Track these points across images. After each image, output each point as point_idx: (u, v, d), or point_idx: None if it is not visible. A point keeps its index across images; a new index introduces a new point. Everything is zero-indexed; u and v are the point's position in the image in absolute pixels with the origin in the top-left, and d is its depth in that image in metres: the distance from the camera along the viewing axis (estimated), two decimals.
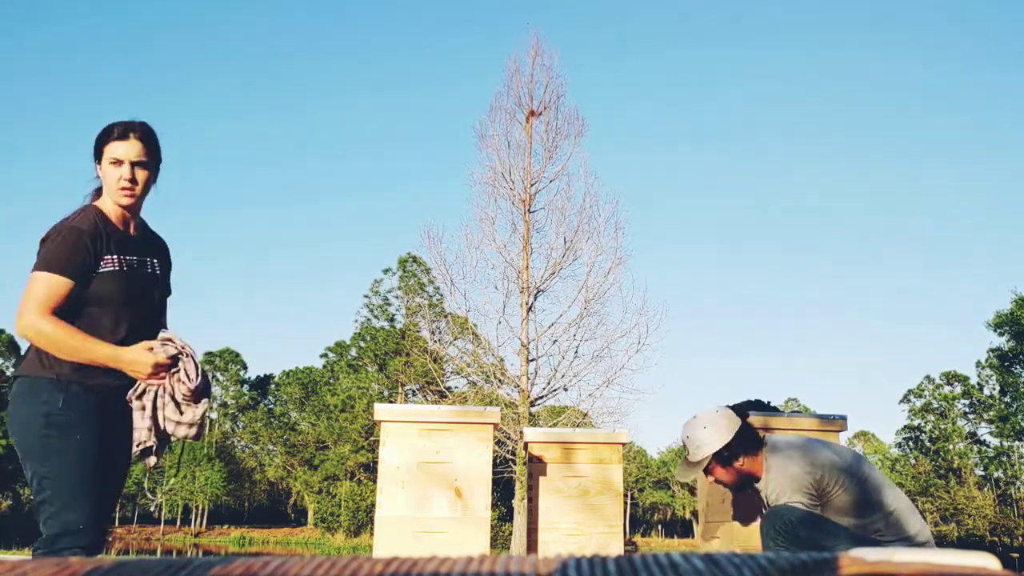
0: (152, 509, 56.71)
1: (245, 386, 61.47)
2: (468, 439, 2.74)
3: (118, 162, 2.08)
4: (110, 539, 49.05)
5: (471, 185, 15.60)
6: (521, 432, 9.98)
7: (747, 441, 2.46)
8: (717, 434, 2.41)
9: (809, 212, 79.24)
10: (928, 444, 47.39)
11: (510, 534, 24.31)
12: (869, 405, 77.70)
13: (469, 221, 17.36)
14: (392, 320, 45.29)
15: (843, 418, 3.30)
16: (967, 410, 46.79)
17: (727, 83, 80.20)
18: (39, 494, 1.89)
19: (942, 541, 39.58)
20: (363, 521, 43.05)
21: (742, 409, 2.53)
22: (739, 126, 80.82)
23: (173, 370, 2.03)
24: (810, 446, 2.45)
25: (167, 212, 78.70)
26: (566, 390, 14.37)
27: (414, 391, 40.65)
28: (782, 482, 2.35)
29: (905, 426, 49.50)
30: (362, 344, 46.49)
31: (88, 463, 1.91)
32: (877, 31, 77.26)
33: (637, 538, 53.85)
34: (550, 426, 13.21)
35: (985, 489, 43.98)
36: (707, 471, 2.48)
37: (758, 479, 2.47)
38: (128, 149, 2.09)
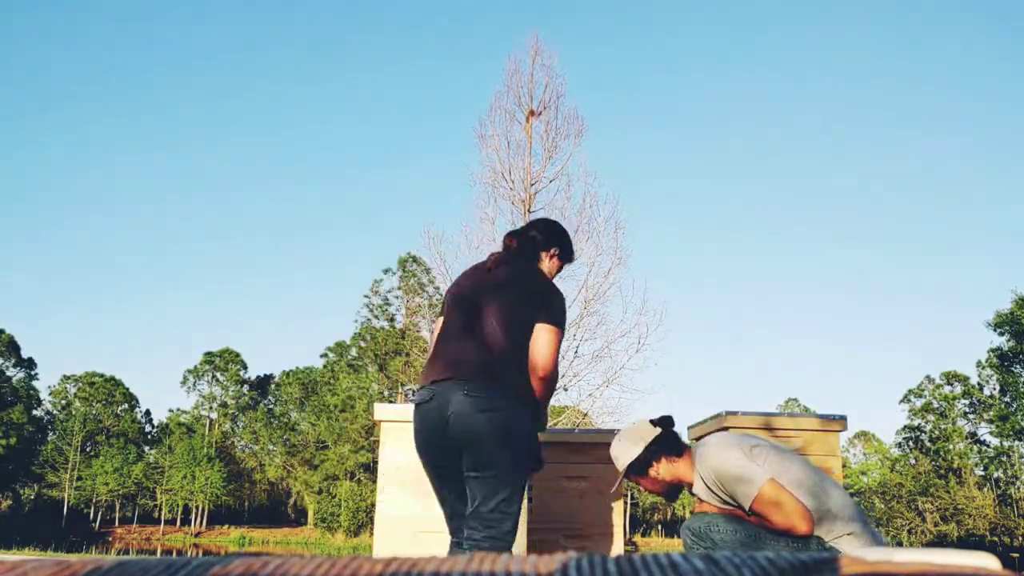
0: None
1: (245, 386, 61.46)
2: None
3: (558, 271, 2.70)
4: (111, 539, 49.01)
5: (471, 185, 15.61)
6: None
7: (665, 447, 2.42)
8: (630, 447, 2.43)
9: (809, 212, 79.29)
10: (928, 444, 47.38)
11: None
12: (869, 405, 77.76)
13: (469, 221, 17.38)
14: (392, 320, 45.27)
15: (843, 418, 3.30)
16: (967, 410, 46.79)
17: (728, 82, 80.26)
18: (498, 492, 2.23)
19: (942, 541, 39.57)
20: (363, 521, 43.05)
21: (665, 420, 2.49)
22: (739, 126, 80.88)
23: None
24: (743, 437, 2.39)
25: (167, 213, 78.71)
26: (566, 390, 14.37)
27: (414, 391, 40.60)
28: (712, 452, 2.31)
29: (905, 426, 49.50)
30: (362, 344, 46.48)
31: None
32: (879, 27, 77.32)
33: (637, 538, 53.83)
34: (550, 426, 13.19)
35: (985, 489, 43.96)
36: (635, 481, 2.49)
37: (690, 485, 2.43)
38: None
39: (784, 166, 79.64)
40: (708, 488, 2.38)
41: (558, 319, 2.36)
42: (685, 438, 2.64)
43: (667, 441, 2.44)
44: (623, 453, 2.45)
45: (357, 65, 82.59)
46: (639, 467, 2.43)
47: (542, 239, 2.61)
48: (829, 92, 77.82)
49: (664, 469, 2.43)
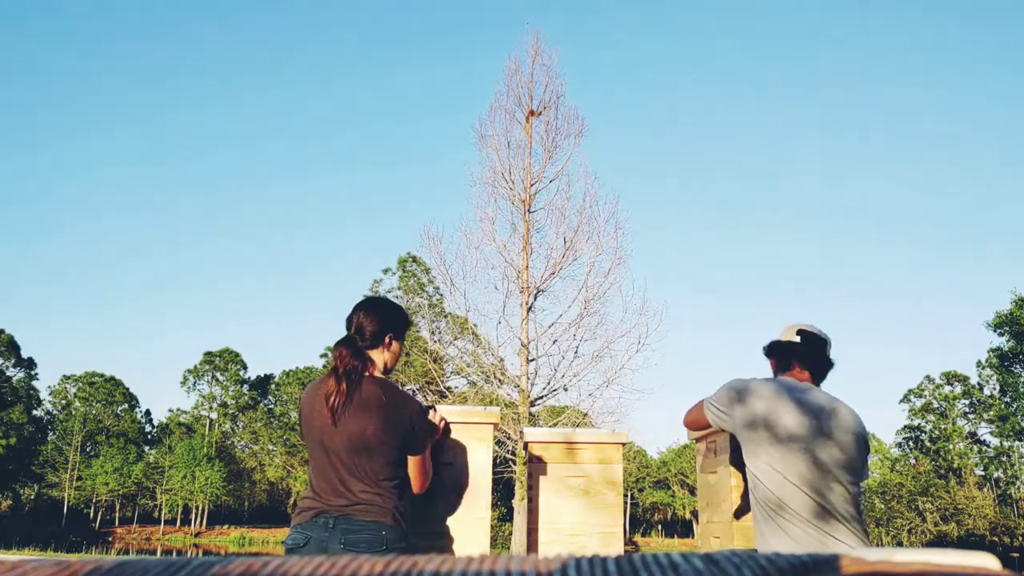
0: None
1: (245, 386, 61.45)
2: (468, 439, 2.73)
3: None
4: (111, 539, 49.14)
5: (471, 185, 15.62)
6: (521, 432, 9.97)
7: (777, 354, 2.51)
8: (779, 335, 2.58)
9: (809, 212, 79.29)
10: (928, 444, 47.37)
11: (510, 534, 24.32)
12: (869, 405, 77.70)
13: (469, 221, 17.39)
14: None
15: None
16: (967, 410, 46.78)
17: (728, 81, 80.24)
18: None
19: (942, 541, 39.55)
20: None
21: (810, 339, 2.52)
22: (739, 126, 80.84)
23: None
24: (777, 389, 2.33)
25: (167, 214, 78.70)
26: (566, 390, 14.36)
27: (414, 391, 40.61)
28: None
29: (905, 426, 49.50)
30: None
31: None
32: (879, 27, 77.29)
33: (637, 538, 53.83)
34: (550, 426, 13.20)
35: (985, 489, 43.95)
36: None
37: None
38: None
39: (784, 166, 79.62)
40: None
41: (427, 439, 2.36)
42: (685, 439, 2.66)
43: (783, 351, 2.51)
44: (775, 337, 2.61)
45: (357, 65, 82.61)
46: (767, 352, 2.57)
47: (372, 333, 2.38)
48: (829, 91, 77.84)
49: (772, 369, 2.58)
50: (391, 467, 2.24)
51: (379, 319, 2.40)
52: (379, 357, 2.40)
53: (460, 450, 2.71)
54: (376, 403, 2.24)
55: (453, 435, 2.74)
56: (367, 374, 2.34)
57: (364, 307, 2.44)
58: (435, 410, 2.55)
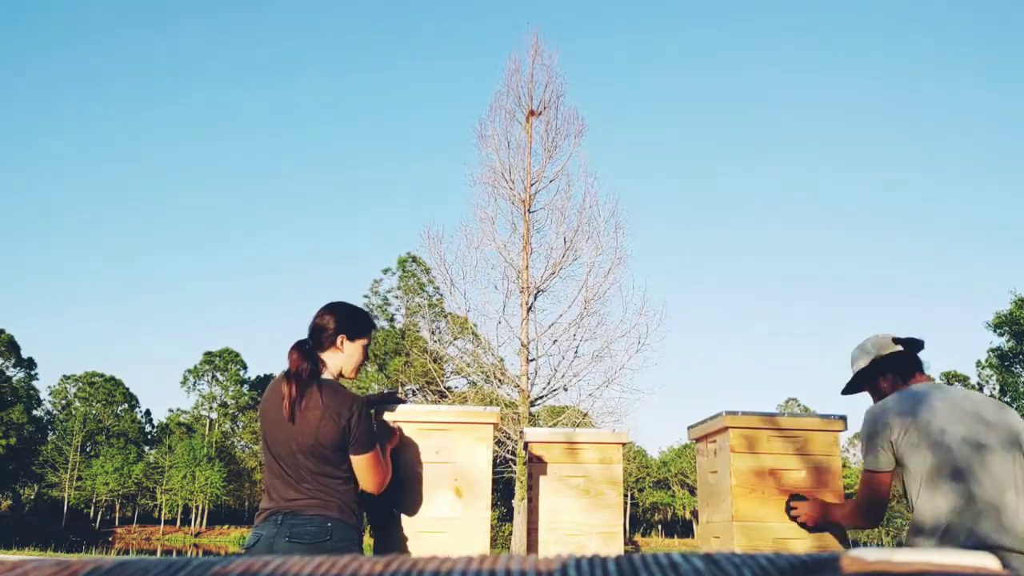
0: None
1: (245, 386, 61.43)
2: (468, 439, 2.73)
3: (366, 350, 2.48)
4: (111, 539, 49.12)
5: (471, 185, 15.63)
6: (521, 432, 9.98)
7: (893, 366, 2.42)
8: (862, 356, 2.49)
9: (810, 212, 79.31)
10: None
11: (510, 534, 24.31)
12: (869, 405, 77.67)
13: (469, 221, 17.40)
14: (392, 320, 45.26)
15: (843, 418, 3.28)
16: None
17: (728, 82, 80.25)
18: None
19: None
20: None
21: (912, 342, 2.45)
22: (740, 127, 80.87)
23: None
24: (924, 397, 2.26)
25: (167, 214, 78.70)
26: (566, 390, 14.36)
27: (414, 391, 40.62)
28: (878, 403, 2.32)
29: None
30: None
31: None
32: (879, 27, 77.27)
33: (637, 538, 53.82)
34: (550, 426, 13.20)
35: None
36: (857, 389, 2.54)
37: None
38: None
39: (784, 166, 79.65)
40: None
41: (370, 443, 2.30)
42: (685, 439, 2.64)
43: (900, 361, 2.42)
44: (855, 360, 2.51)
45: (357, 65, 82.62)
46: (866, 378, 2.47)
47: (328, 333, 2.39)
48: (828, 91, 77.83)
49: (888, 387, 2.45)
50: (332, 466, 2.27)
51: (332, 321, 2.41)
52: (331, 359, 2.40)
53: (460, 450, 2.71)
54: (316, 405, 2.27)
55: (453, 435, 2.74)
56: (318, 376, 2.35)
57: (322, 309, 2.45)
58: (404, 407, 2.57)
